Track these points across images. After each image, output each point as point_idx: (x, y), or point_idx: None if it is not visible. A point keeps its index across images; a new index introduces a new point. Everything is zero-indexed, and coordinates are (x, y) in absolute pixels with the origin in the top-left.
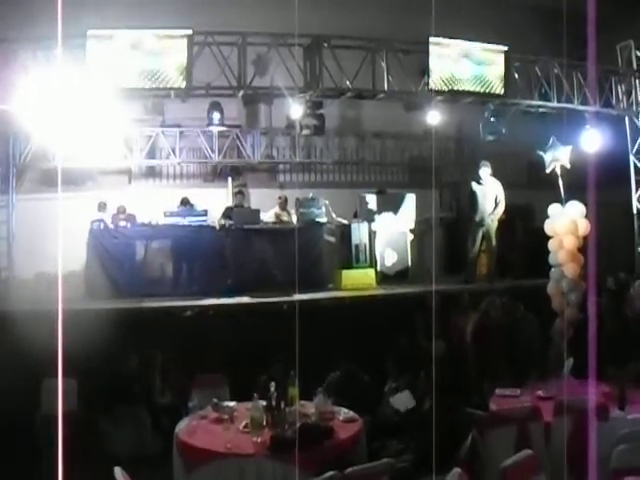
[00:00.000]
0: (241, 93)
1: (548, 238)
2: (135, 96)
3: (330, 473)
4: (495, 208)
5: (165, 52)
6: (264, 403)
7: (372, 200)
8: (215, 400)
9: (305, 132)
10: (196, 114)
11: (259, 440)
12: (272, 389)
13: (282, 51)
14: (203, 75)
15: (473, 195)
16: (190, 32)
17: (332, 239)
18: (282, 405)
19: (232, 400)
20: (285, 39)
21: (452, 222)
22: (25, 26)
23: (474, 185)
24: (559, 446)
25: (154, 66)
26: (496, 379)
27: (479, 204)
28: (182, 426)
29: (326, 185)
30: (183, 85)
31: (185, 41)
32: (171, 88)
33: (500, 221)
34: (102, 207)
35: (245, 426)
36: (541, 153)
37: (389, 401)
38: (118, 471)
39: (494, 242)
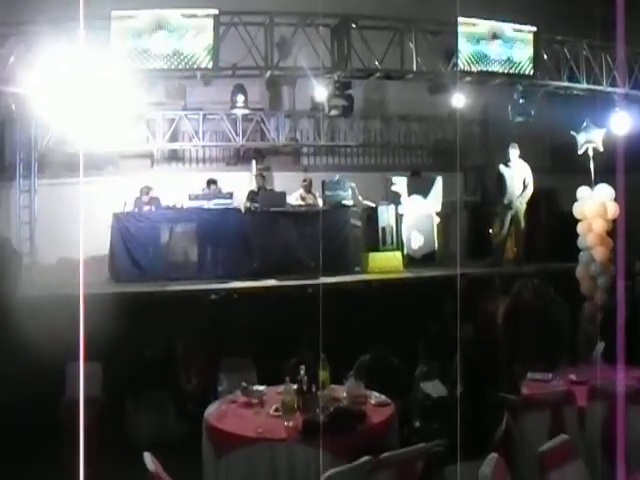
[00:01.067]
0: (268, 74)
1: (575, 221)
2: (160, 77)
3: (365, 458)
4: (524, 190)
5: (191, 32)
6: (295, 387)
7: (398, 182)
8: (244, 384)
9: (333, 112)
10: (218, 98)
11: (291, 424)
12: (302, 372)
13: (309, 31)
14: (229, 56)
15: (501, 177)
16: (216, 12)
17: (359, 223)
18: (313, 389)
19: (260, 384)
20: (312, 19)
21: (477, 206)
22: (46, 8)
23: (502, 167)
24: (593, 431)
25: (180, 46)
26: (527, 363)
27: (507, 186)
28: (211, 410)
29: (351, 168)
30: (210, 65)
31: (211, 21)
32: (197, 69)
33: (527, 204)
34: (144, 192)
35: (276, 410)
36: (574, 134)
37: (420, 385)
38: (147, 456)
39: (523, 225)
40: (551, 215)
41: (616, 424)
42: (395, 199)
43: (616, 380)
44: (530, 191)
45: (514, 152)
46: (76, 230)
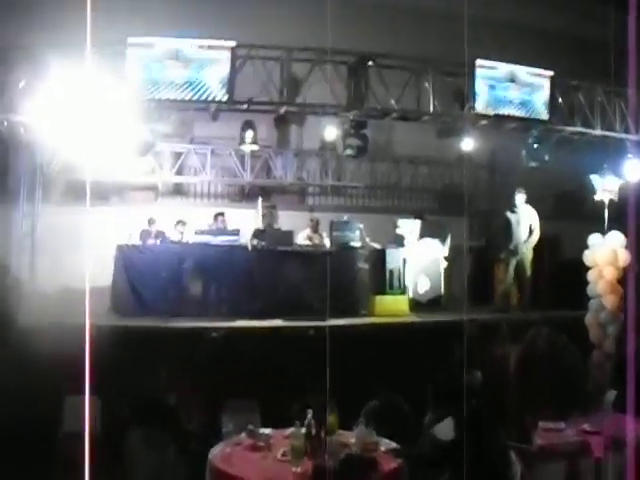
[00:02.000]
0: (283, 109)
1: (582, 269)
2: (173, 108)
3: None
4: (530, 236)
5: (207, 63)
6: (303, 431)
7: (403, 225)
8: (250, 426)
9: (348, 152)
10: (226, 134)
11: (299, 470)
12: (309, 417)
13: (326, 69)
14: (243, 90)
15: (507, 223)
16: (234, 44)
17: (366, 265)
18: (322, 434)
19: (264, 427)
20: (329, 56)
21: (482, 251)
22: (57, 32)
23: (508, 213)
24: None
25: (195, 77)
26: (539, 412)
27: (513, 232)
28: (216, 452)
29: (357, 209)
30: (224, 99)
31: (228, 53)
32: (212, 101)
33: (535, 250)
34: (151, 222)
35: (283, 455)
36: (593, 178)
37: (429, 432)
38: None
39: (528, 272)
40: (557, 262)
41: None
42: (399, 242)
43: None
44: (536, 237)
45: (520, 197)
46: (78, 260)
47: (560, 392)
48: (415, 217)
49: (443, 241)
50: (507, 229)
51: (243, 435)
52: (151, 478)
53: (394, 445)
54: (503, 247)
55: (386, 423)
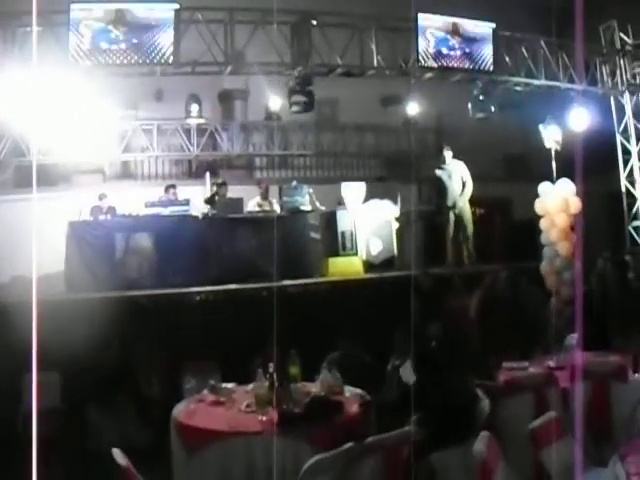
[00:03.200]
0: (228, 69)
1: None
2: (120, 73)
3: (349, 444)
4: (463, 189)
5: (151, 27)
6: (266, 382)
7: (348, 188)
8: (212, 382)
9: (295, 109)
10: (170, 114)
11: (265, 418)
12: (271, 369)
13: (269, 29)
14: (188, 54)
15: (439, 180)
16: (177, 6)
17: (317, 236)
18: (285, 383)
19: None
20: (273, 16)
21: (432, 214)
22: None
23: (438, 171)
24: (578, 411)
25: (140, 41)
26: (502, 353)
27: (447, 188)
28: (180, 409)
29: (304, 181)
30: (170, 61)
31: (172, 16)
32: (158, 63)
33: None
34: (102, 197)
35: (247, 406)
36: (541, 128)
37: (393, 378)
38: (117, 452)
39: (470, 225)
40: (510, 220)
41: (601, 403)
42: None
43: (596, 363)
44: (470, 189)
45: (448, 154)
46: (29, 247)
47: (522, 332)
48: (377, 179)
49: (394, 202)
50: (440, 186)
51: (205, 392)
52: (115, 446)
53: (358, 391)
54: (440, 205)
55: (349, 371)
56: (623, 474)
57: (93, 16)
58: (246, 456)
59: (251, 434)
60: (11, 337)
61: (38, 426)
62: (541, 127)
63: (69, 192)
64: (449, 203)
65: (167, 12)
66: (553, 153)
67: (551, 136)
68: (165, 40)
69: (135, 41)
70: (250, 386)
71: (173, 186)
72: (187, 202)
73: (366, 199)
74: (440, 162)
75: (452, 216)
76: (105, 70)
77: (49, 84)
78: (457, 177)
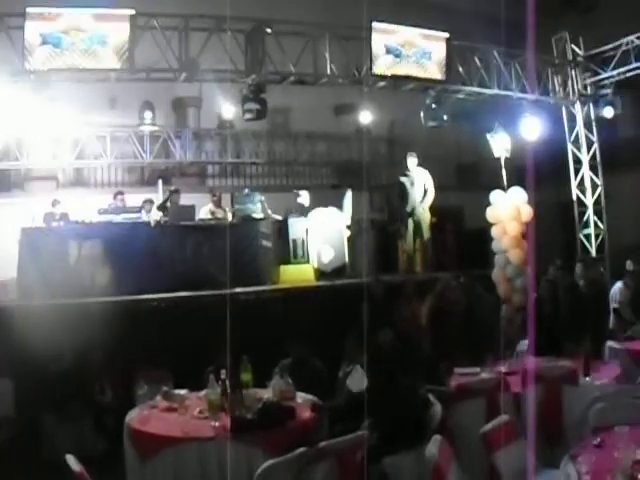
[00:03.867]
0: (183, 76)
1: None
2: (74, 79)
3: (301, 449)
4: (424, 197)
5: (106, 32)
6: (218, 389)
7: (304, 194)
8: (165, 388)
9: (248, 116)
10: (123, 121)
11: (217, 424)
12: (223, 376)
13: (223, 36)
14: (142, 60)
15: (402, 186)
16: (133, 12)
17: (269, 244)
18: (237, 390)
19: None
20: (228, 24)
21: (383, 223)
22: None
23: (402, 178)
24: (530, 414)
25: (95, 46)
26: (453, 359)
27: (409, 194)
28: (133, 415)
29: (256, 189)
30: (125, 66)
31: (127, 21)
32: (113, 69)
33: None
34: (55, 204)
35: (200, 412)
36: (489, 136)
37: (345, 385)
38: (71, 458)
39: (427, 233)
40: (461, 229)
41: (553, 405)
42: (303, 212)
43: (548, 367)
44: (431, 196)
45: (412, 161)
46: None
47: (474, 339)
48: (332, 187)
49: (340, 208)
50: (401, 192)
51: (158, 398)
52: (69, 453)
53: (310, 397)
54: (401, 211)
55: (300, 378)
56: (575, 474)
57: (48, 20)
58: (199, 462)
59: (204, 440)
60: None
61: None
62: (489, 136)
63: (22, 198)
64: (408, 209)
65: (122, 18)
66: (503, 162)
67: (500, 145)
68: (119, 46)
69: (90, 46)
70: (202, 392)
71: (121, 192)
72: (139, 209)
73: (316, 207)
74: (403, 168)
75: (410, 223)
76: (59, 76)
77: (2, 89)
78: (419, 184)
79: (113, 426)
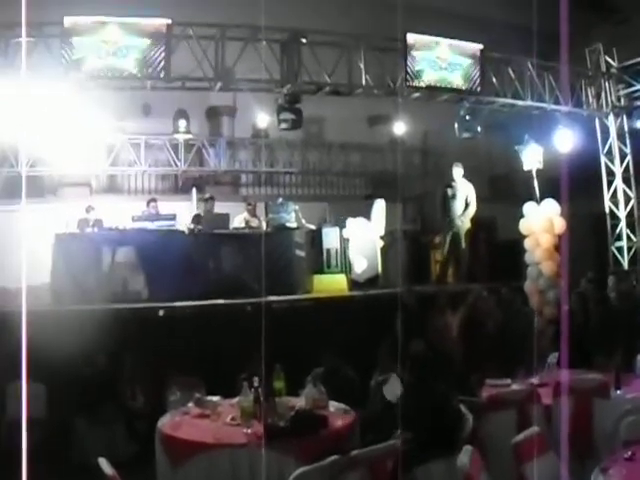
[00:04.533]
0: (218, 85)
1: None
2: (110, 86)
3: (333, 457)
4: (465, 209)
5: (143, 41)
6: (251, 397)
7: (342, 206)
8: (197, 395)
9: (283, 126)
10: (157, 129)
11: (250, 431)
12: (256, 384)
13: (259, 45)
14: (178, 69)
15: (444, 197)
16: (169, 21)
17: (303, 253)
18: (270, 397)
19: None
20: (264, 33)
21: (416, 234)
22: None
23: (446, 188)
24: (564, 427)
25: (132, 55)
26: (484, 371)
27: (449, 206)
28: (165, 421)
29: (290, 198)
30: (162, 75)
31: (164, 31)
32: (149, 77)
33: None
34: (89, 210)
35: (232, 419)
36: (518, 148)
37: (377, 394)
38: (103, 461)
39: (463, 244)
40: (494, 241)
41: (584, 418)
42: (340, 222)
43: (579, 380)
44: (472, 209)
45: (457, 172)
46: (14, 259)
47: (505, 350)
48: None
49: (369, 219)
50: (443, 203)
51: (190, 404)
52: (100, 456)
53: (343, 406)
54: (439, 220)
55: (332, 386)
56: None
57: (86, 29)
58: (231, 468)
59: (236, 446)
60: None
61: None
62: (520, 148)
63: (55, 204)
64: (448, 221)
65: (159, 26)
66: (535, 174)
67: (532, 156)
68: (156, 54)
69: (127, 55)
70: (235, 400)
71: (154, 200)
72: (173, 217)
73: (349, 217)
74: (446, 179)
75: (449, 234)
76: (96, 83)
77: (39, 95)
78: (462, 196)
79: (144, 431)
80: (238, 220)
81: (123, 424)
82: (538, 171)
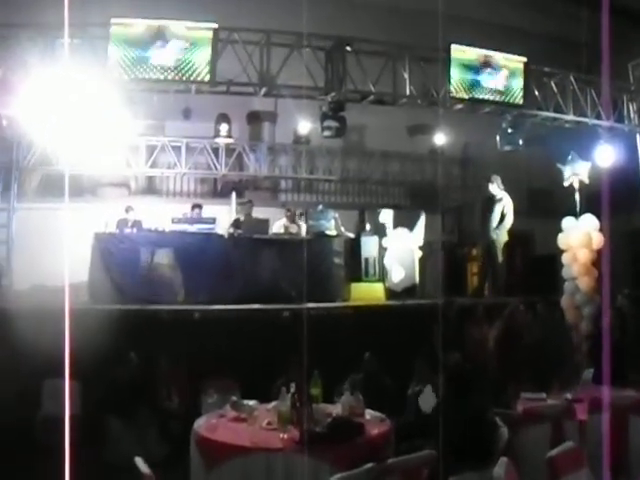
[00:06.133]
0: (263, 91)
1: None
2: (155, 89)
3: (369, 465)
4: (502, 221)
5: (189, 45)
6: (288, 402)
7: (383, 214)
8: (234, 398)
9: (326, 134)
10: (197, 132)
11: (286, 436)
12: (292, 390)
13: (304, 52)
14: (223, 72)
15: (482, 209)
16: (216, 26)
17: (341, 261)
18: (307, 403)
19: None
20: (309, 40)
21: (454, 245)
22: (32, 16)
23: (483, 201)
24: (595, 443)
25: (178, 59)
26: (520, 384)
27: (487, 218)
28: (201, 423)
29: (328, 206)
30: (207, 79)
31: (211, 35)
32: (194, 81)
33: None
34: (129, 210)
35: (268, 423)
36: (560, 166)
37: (413, 403)
38: (139, 460)
39: (500, 257)
40: (531, 255)
41: (619, 435)
42: (380, 231)
43: (615, 397)
44: (509, 221)
45: (496, 184)
46: (52, 256)
47: (541, 365)
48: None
49: (410, 230)
50: (481, 215)
51: (227, 407)
52: (133, 456)
53: (379, 414)
54: (477, 232)
55: (368, 394)
56: None
57: (132, 31)
58: (266, 472)
59: (272, 451)
60: (28, 343)
61: (59, 433)
62: (562, 163)
63: (93, 204)
64: (485, 232)
65: (205, 31)
66: (577, 188)
67: (573, 171)
68: (202, 58)
69: (172, 58)
70: (272, 404)
71: (199, 206)
72: (213, 220)
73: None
74: (482, 191)
75: (486, 247)
76: (141, 85)
77: (82, 96)
78: (498, 208)
79: (178, 433)
80: (277, 226)
81: (157, 425)
82: (578, 186)
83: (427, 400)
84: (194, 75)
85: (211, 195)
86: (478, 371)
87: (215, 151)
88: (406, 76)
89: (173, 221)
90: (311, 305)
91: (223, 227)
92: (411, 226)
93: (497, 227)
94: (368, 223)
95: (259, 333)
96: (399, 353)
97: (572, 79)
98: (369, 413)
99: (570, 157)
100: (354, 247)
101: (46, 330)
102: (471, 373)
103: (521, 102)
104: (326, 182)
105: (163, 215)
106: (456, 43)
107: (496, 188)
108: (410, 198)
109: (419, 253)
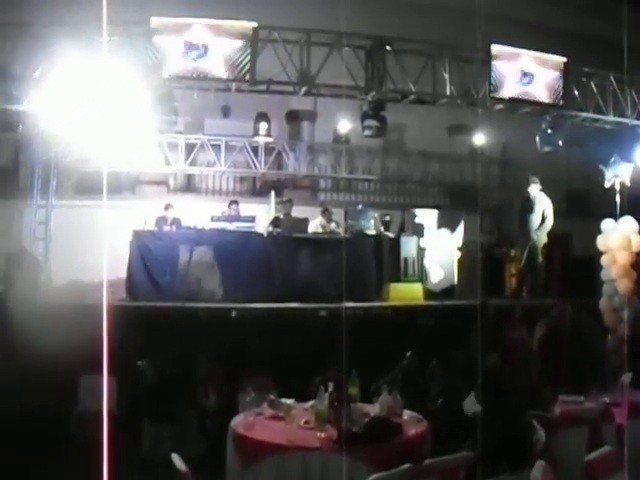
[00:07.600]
0: (303, 90)
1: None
2: (194, 87)
3: (406, 465)
4: (542, 223)
5: (229, 44)
6: (326, 401)
7: (422, 215)
8: (271, 397)
9: (367, 133)
10: (236, 131)
11: (323, 435)
12: (330, 389)
13: (344, 51)
14: (262, 71)
15: (521, 210)
16: (256, 24)
17: (380, 262)
18: (344, 403)
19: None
20: (349, 39)
21: (493, 246)
22: (69, 14)
23: (523, 202)
24: (634, 448)
25: (218, 56)
26: (558, 387)
27: (526, 220)
28: (238, 420)
29: (367, 205)
30: (246, 78)
31: (250, 33)
32: (234, 80)
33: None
34: (168, 208)
35: (306, 422)
36: (602, 168)
37: (451, 404)
38: (176, 457)
39: (540, 258)
40: (570, 256)
41: None
42: (418, 231)
43: None
44: (549, 223)
45: (535, 185)
46: (89, 254)
47: (579, 367)
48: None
49: (452, 231)
50: (521, 217)
51: (264, 405)
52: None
53: (416, 414)
54: (516, 234)
55: (408, 393)
56: None
57: (172, 29)
58: (303, 471)
59: (310, 449)
60: (66, 339)
61: (94, 428)
62: (602, 167)
63: (131, 201)
64: (524, 234)
65: (246, 29)
66: (617, 189)
67: (614, 173)
68: (242, 57)
69: (212, 56)
70: (309, 403)
71: (236, 202)
72: (252, 219)
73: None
74: (522, 192)
75: (525, 248)
76: (181, 83)
77: (122, 94)
78: (539, 210)
79: (215, 430)
80: (314, 225)
81: (194, 422)
82: (623, 188)
83: (472, 404)
84: (234, 74)
85: (250, 194)
86: (516, 373)
87: (254, 150)
88: (446, 76)
89: (212, 219)
90: (349, 304)
91: (262, 226)
92: (452, 227)
93: (538, 228)
94: (407, 222)
95: (297, 332)
96: (436, 353)
97: (612, 79)
98: (406, 413)
99: (613, 159)
100: (393, 247)
101: (83, 326)
102: (509, 375)
103: (561, 103)
104: (365, 182)
105: (202, 213)
106: (496, 43)
107: (536, 189)
108: (449, 198)
109: (458, 254)
